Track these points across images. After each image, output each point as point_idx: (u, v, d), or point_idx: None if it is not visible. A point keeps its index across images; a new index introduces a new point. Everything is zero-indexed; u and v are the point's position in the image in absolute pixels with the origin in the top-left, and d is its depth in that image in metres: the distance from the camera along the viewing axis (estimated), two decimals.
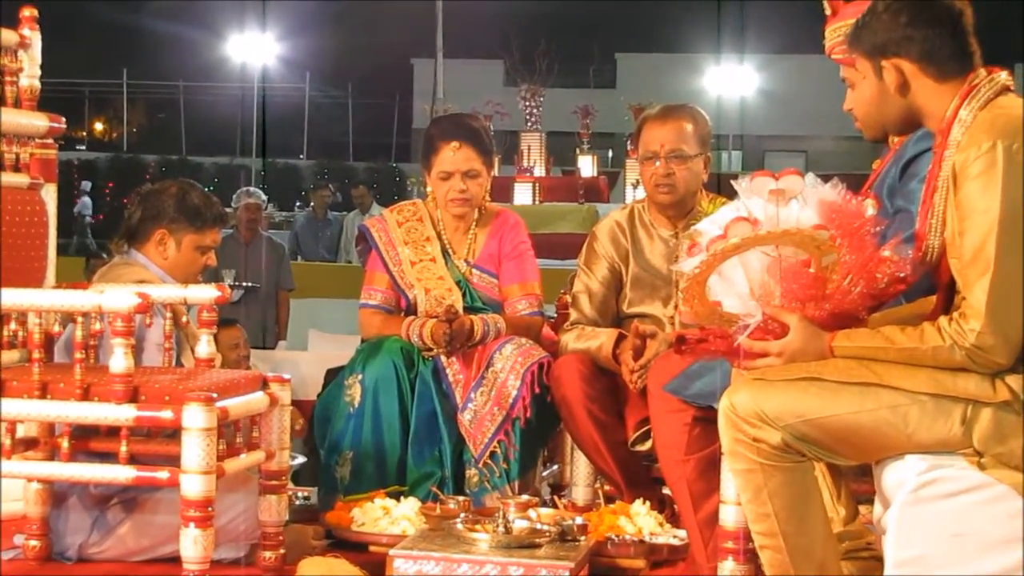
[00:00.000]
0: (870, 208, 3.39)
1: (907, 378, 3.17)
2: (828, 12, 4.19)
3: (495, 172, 5.17)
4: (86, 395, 3.67)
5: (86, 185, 27.77)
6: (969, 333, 3.11)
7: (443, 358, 4.80)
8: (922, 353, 3.16)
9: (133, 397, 3.64)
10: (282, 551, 4.09)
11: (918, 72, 3.32)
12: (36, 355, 3.74)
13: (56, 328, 3.97)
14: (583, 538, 3.92)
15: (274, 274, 10.04)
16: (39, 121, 4.15)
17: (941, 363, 3.15)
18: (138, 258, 4.53)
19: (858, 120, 3.64)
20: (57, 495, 4.22)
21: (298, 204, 18.05)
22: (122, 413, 3.63)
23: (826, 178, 3.40)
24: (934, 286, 3.37)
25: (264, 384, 4.03)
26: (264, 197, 10.78)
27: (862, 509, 3.80)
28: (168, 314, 4.14)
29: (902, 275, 3.28)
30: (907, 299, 3.49)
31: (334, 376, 5.02)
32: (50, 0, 4.50)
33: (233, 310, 8.82)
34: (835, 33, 4.13)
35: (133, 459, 3.72)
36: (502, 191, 14.94)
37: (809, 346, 3.29)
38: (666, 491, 4.49)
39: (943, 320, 3.16)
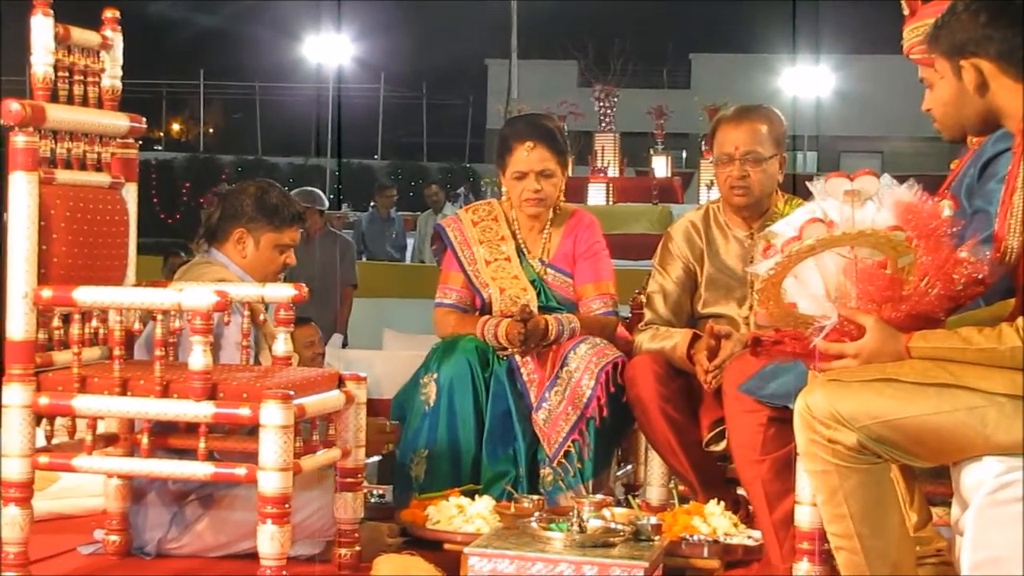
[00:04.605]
0: (947, 209, 3.35)
1: (984, 379, 3.14)
2: (906, 12, 4.15)
3: (569, 172, 5.17)
4: (165, 392, 3.72)
5: None
6: None
7: (518, 357, 4.81)
8: (1000, 354, 3.13)
9: (212, 394, 3.68)
10: (357, 548, 4.12)
11: (997, 72, 3.29)
12: (117, 352, 3.79)
13: (136, 326, 4.01)
14: (657, 538, 3.91)
15: (337, 269, 9.74)
16: (121, 121, 4.19)
17: (1019, 364, 3.12)
18: (218, 257, 4.57)
19: (936, 121, 3.61)
20: (136, 491, 4.27)
21: (372, 204, 18.18)
22: (201, 410, 3.67)
23: (902, 179, 3.37)
24: (1013, 288, 3.34)
25: (340, 382, 4.06)
26: (326, 201, 10.33)
27: (937, 511, 3.77)
28: (246, 312, 4.17)
29: (980, 276, 3.25)
30: (986, 302, 3.45)
31: None
32: (129, 1, 4.54)
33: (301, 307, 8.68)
34: (914, 33, 4.09)
35: (211, 456, 3.77)
36: (576, 192, 14.94)
37: (885, 347, 3.26)
38: (740, 492, 4.48)
39: (1020, 321, 3.13)
